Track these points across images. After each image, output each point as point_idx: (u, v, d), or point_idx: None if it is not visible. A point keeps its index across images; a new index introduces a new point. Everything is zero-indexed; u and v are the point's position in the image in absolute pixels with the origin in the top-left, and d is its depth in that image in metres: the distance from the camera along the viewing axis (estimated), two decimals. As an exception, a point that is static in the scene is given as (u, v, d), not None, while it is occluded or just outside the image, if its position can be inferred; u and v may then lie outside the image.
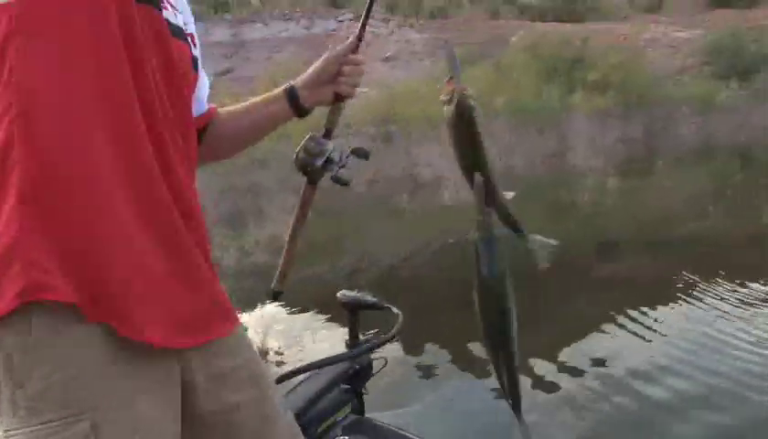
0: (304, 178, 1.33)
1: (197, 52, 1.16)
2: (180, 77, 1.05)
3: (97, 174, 0.88)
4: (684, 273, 4.80)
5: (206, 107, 1.28)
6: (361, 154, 1.37)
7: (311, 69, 1.32)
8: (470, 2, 27.43)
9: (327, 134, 1.33)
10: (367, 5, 1.31)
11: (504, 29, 19.78)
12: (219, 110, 1.33)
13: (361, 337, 1.80)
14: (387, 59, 17.65)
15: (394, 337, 1.75)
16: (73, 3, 0.88)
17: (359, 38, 1.30)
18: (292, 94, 1.31)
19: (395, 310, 1.77)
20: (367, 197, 8.29)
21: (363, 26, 1.32)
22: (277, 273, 1.38)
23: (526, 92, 12.81)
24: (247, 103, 1.36)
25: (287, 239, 1.36)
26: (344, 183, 1.31)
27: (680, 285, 4.61)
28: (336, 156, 1.31)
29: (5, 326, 0.84)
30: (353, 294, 1.78)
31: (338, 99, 1.32)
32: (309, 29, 22.70)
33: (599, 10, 25.17)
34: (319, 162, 1.30)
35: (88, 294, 0.86)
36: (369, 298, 1.80)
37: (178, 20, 1.08)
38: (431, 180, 9.31)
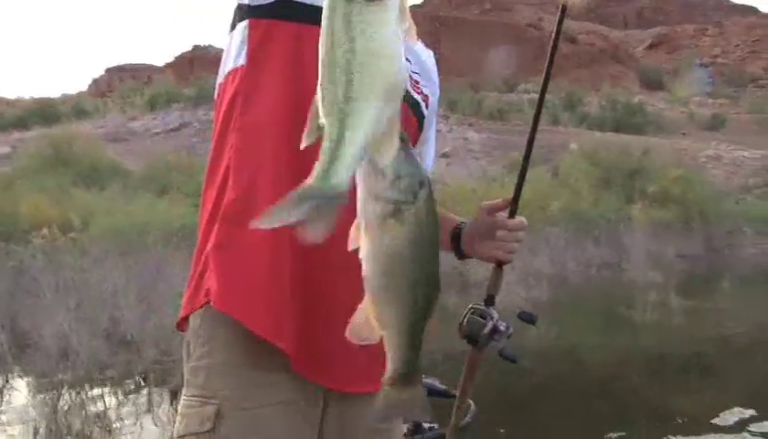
0: None
1: (427, 111, 1.25)
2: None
3: None
4: (739, 408, 4.55)
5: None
6: (527, 319, 1.33)
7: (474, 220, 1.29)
8: (530, 106, 27.90)
9: (490, 300, 1.28)
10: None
11: (563, 135, 19.93)
12: None
13: (426, 425, 1.70)
14: (444, 155, 17.89)
15: (464, 428, 1.64)
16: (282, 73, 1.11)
17: (515, 199, 1.25)
18: (456, 235, 1.29)
19: (468, 400, 1.67)
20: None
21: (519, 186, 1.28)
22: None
23: (583, 200, 12.68)
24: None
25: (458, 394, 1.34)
26: (511, 360, 1.27)
27: (734, 421, 4.36)
28: (502, 326, 1.25)
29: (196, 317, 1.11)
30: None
31: (497, 264, 1.28)
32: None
33: (658, 124, 25.27)
34: (485, 331, 1.25)
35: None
36: (439, 385, 1.72)
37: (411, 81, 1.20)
38: (482, 280, 9.16)
